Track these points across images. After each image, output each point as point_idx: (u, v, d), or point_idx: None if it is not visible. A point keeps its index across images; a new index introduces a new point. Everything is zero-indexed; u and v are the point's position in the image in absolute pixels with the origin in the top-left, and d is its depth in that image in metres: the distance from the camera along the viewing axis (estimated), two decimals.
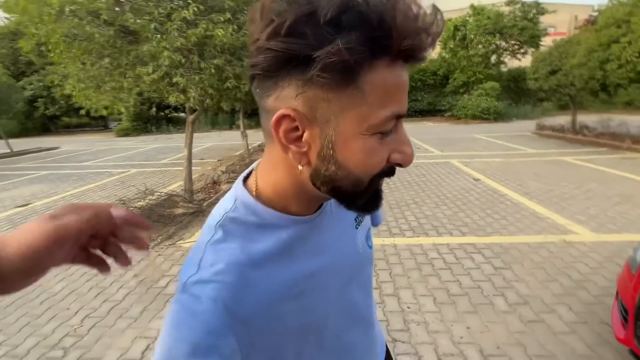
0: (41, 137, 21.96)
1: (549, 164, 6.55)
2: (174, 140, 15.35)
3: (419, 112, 20.33)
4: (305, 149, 0.40)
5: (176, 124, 22.02)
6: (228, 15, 3.28)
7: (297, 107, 0.37)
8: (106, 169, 8.69)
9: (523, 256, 2.93)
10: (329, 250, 0.52)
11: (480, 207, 4.20)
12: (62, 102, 20.52)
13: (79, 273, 3.03)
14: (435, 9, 0.36)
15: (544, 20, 17.15)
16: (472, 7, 17.36)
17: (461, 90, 18.51)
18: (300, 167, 0.41)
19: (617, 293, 1.83)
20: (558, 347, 1.89)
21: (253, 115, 20.53)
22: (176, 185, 6.17)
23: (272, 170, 0.45)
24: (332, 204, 0.53)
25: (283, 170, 0.44)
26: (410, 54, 0.37)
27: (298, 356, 0.49)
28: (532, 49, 16.51)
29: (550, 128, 11.03)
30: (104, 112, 4.09)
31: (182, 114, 23.39)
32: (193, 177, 5.17)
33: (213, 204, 4.98)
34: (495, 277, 2.63)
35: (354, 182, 0.41)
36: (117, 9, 3.21)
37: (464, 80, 18.18)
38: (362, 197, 0.43)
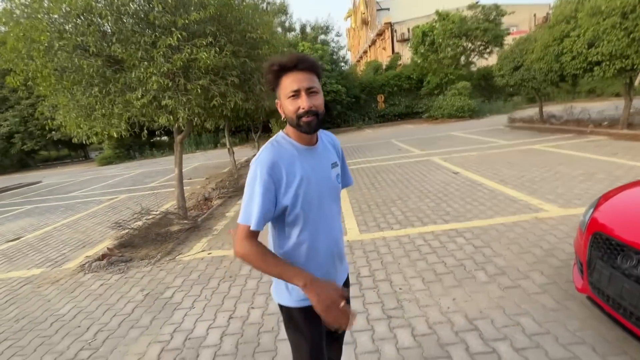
0: (20, 173, 21.43)
1: (521, 152, 6.99)
2: (160, 164, 15.32)
3: (398, 116, 21.01)
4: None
5: (159, 148, 21.92)
6: (210, 39, 3.53)
7: None
8: (94, 197, 8.67)
9: (500, 235, 3.22)
10: (316, 169, 1.09)
11: (460, 197, 4.51)
12: (39, 135, 20.24)
13: (83, 295, 3.12)
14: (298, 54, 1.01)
15: (506, 20, 18.19)
16: (438, 13, 18.29)
17: (436, 92, 19.29)
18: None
19: (575, 253, 2.11)
20: (532, 305, 2.15)
21: (237, 132, 20.73)
22: (169, 205, 6.27)
23: None
24: (322, 147, 1.14)
25: None
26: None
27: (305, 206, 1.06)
28: (497, 48, 17.43)
29: (521, 120, 11.68)
30: (95, 139, 4.22)
31: (165, 138, 23.40)
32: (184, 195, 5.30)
33: (207, 219, 5.11)
34: (476, 254, 2.90)
35: (289, 121, 1.03)
36: (103, 42, 3.40)
37: (437, 82, 18.98)
38: (301, 126, 1.01)
